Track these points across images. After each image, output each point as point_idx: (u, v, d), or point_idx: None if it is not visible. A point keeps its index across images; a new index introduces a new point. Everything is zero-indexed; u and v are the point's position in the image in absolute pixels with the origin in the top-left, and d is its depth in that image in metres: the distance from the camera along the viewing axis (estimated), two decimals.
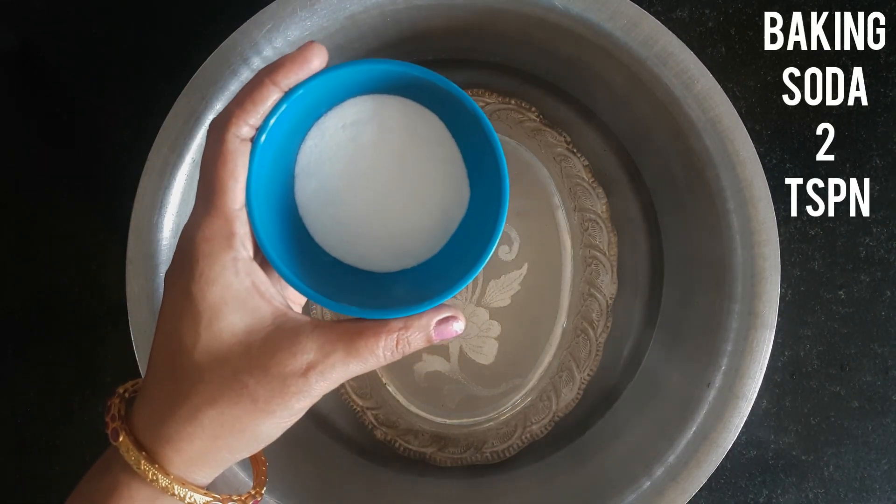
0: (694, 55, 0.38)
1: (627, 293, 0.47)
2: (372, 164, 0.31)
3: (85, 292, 0.48)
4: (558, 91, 0.47)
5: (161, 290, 0.39)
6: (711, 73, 0.38)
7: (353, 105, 0.30)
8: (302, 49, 0.27)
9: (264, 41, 0.38)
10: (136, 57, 0.48)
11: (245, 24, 0.38)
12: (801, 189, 0.48)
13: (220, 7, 0.47)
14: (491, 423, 0.47)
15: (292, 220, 0.31)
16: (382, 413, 0.47)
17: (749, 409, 0.39)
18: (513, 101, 0.46)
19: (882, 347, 0.47)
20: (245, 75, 0.39)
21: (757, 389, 0.39)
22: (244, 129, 0.27)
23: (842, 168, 0.48)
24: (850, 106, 0.48)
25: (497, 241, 0.29)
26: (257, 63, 0.39)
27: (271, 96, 0.27)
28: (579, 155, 0.46)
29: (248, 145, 0.27)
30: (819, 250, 0.48)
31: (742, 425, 0.39)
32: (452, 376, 0.46)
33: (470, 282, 0.30)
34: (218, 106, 0.39)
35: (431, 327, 0.28)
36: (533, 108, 0.46)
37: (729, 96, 0.38)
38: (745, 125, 0.38)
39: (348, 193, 0.31)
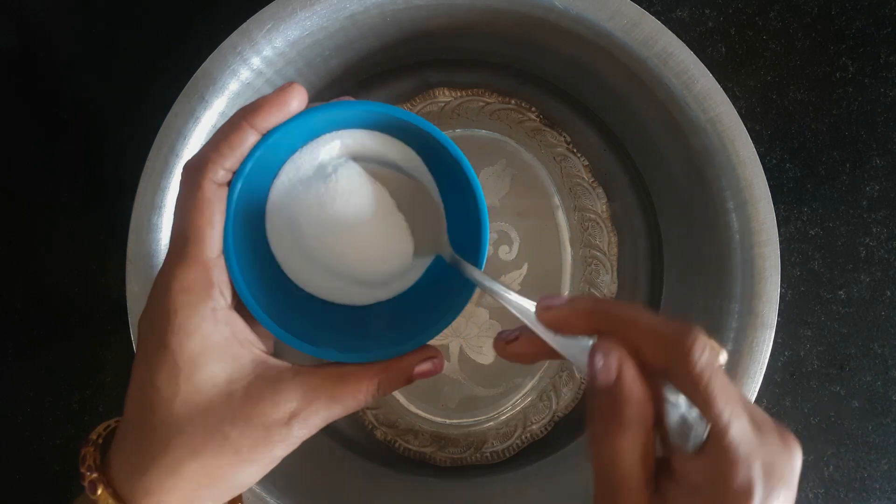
0: (694, 55, 0.38)
1: (627, 293, 0.47)
2: (344, 198, 0.30)
3: (85, 292, 0.48)
4: (558, 91, 0.47)
5: None
6: (711, 73, 0.38)
7: (328, 140, 0.30)
8: (281, 91, 0.26)
9: (264, 41, 0.38)
10: (135, 57, 0.48)
11: (245, 24, 0.38)
12: (801, 189, 0.48)
13: (220, 7, 0.47)
14: (491, 423, 0.47)
15: (269, 261, 0.30)
16: (382, 413, 0.47)
17: None
18: (513, 101, 0.46)
19: (882, 347, 0.47)
20: (245, 75, 0.39)
21: (757, 389, 0.39)
22: (220, 173, 0.26)
23: (842, 168, 0.48)
24: (850, 106, 0.48)
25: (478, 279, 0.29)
26: (257, 63, 0.39)
27: (248, 139, 0.26)
28: (579, 155, 0.46)
29: (225, 190, 0.26)
30: (819, 250, 0.48)
31: None
32: (452, 376, 0.46)
33: (452, 322, 0.29)
34: (216, 103, 0.39)
35: (413, 369, 0.28)
36: (533, 108, 0.46)
37: (729, 96, 0.38)
38: (745, 125, 0.38)
39: (318, 227, 0.30)
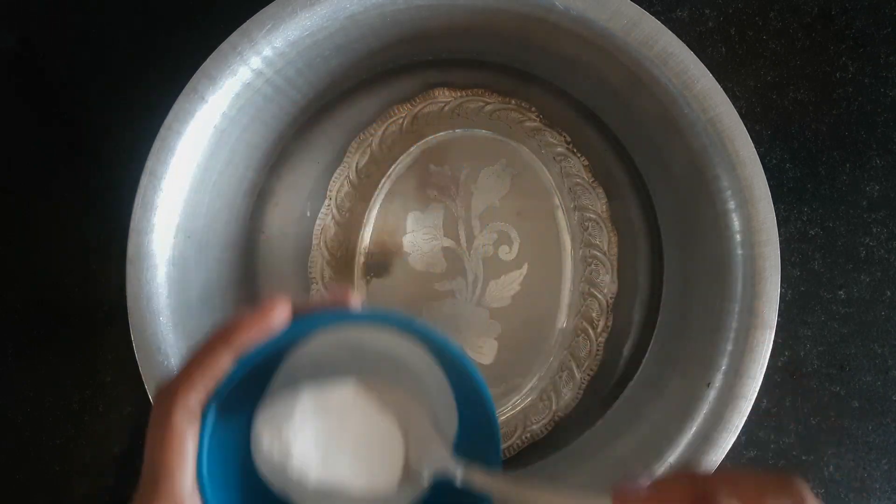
0: (694, 55, 0.38)
1: (627, 293, 0.47)
2: (342, 414, 0.27)
3: (85, 292, 0.48)
4: (558, 91, 0.47)
5: (161, 289, 0.39)
6: (711, 73, 0.38)
7: (319, 346, 0.27)
8: (262, 309, 0.25)
9: (264, 41, 0.38)
10: (135, 57, 0.48)
11: (245, 24, 0.38)
12: (801, 189, 0.48)
13: (219, 7, 0.47)
14: None
15: (254, 484, 0.28)
16: None
17: (749, 409, 0.39)
18: (513, 101, 0.46)
19: (882, 347, 0.47)
20: (245, 75, 0.39)
21: (757, 389, 0.39)
22: (192, 399, 0.24)
23: (841, 168, 0.48)
24: (850, 106, 0.48)
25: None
26: (257, 63, 0.39)
27: (222, 363, 0.24)
28: (579, 155, 0.46)
29: (198, 419, 0.25)
30: (819, 250, 0.48)
31: (742, 425, 0.39)
32: None
33: None
34: (212, 98, 0.39)
35: None
36: (533, 108, 0.46)
37: (729, 96, 0.38)
38: (745, 125, 0.38)
39: (315, 448, 0.27)
